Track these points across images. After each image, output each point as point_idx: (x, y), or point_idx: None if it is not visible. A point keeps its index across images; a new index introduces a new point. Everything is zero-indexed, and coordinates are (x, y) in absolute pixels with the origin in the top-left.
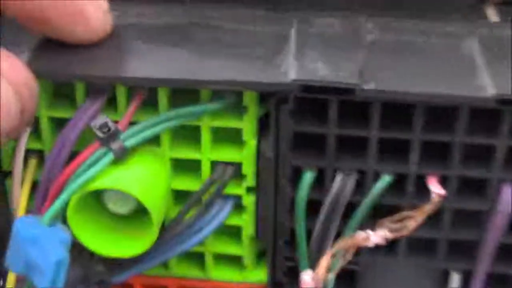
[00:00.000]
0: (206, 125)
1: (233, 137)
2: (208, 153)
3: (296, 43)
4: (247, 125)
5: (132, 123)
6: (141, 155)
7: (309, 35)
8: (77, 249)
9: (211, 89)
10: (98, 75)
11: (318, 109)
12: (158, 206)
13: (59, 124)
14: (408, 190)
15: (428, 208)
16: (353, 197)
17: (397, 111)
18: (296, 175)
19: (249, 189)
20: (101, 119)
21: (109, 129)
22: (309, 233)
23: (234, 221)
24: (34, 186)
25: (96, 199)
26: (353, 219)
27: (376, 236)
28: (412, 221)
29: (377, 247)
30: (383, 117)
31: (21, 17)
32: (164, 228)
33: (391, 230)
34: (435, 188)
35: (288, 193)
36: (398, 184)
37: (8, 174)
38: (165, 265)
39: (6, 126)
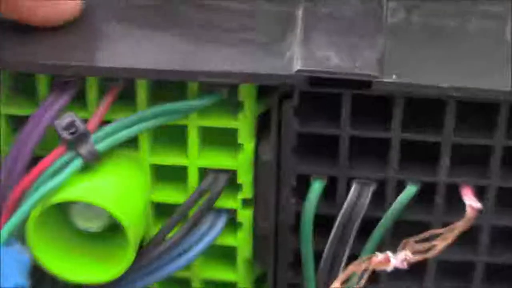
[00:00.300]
0: (193, 124)
1: (226, 139)
2: (195, 158)
3: (303, 26)
4: (243, 125)
5: (105, 122)
6: (116, 160)
7: (319, 16)
8: (39, 274)
9: (200, 82)
10: (64, 64)
11: (328, 106)
12: (135, 222)
13: (18, 123)
14: (437, 203)
15: (461, 225)
16: (371, 211)
17: (424, 107)
18: (302, 185)
19: (245, 202)
20: (68, 118)
21: (76, 130)
22: (317, 255)
23: (228, 240)
24: None
25: (61, 214)
26: (370, 238)
27: (397, 259)
28: (442, 240)
29: (399, 272)
30: (406, 115)
31: None
32: (142, 249)
33: (415, 252)
34: (470, 201)
35: (293, 207)
36: (424, 196)
37: None
38: None
39: None
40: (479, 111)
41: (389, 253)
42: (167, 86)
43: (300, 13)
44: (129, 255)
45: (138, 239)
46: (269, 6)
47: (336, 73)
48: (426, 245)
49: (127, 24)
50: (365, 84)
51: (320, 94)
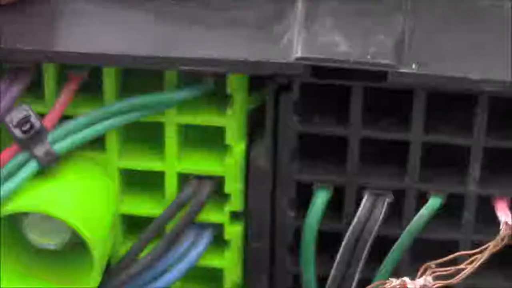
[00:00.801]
0: (171, 121)
1: (211, 140)
2: (174, 162)
3: (305, 3)
4: (232, 123)
5: (65, 118)
6: (78, 164)
7: None
8: None
9: (181, 71)
10: (16, 48)
11: (335, 100)
12: (101, 238)
13: None
14: (466, 218)
15: (493, 245)
16: (386, 227)
17: (450, 103)
18: (303, 196)
19: (234, 216)
20: (21, 112)
21: (31, 127)
22: (321, 280)
23: (213, 261)
24: None
25: (13, 227)
26: (385, 260)
27: (416, 285)
28: (469, 263)
29: None
30: (429, 113)
31: None
32: (110, 270)
33: (438, 277)
34: (505, 216)
35: (291, 222)
36: (450, 210)
37: None
38: None
39: None
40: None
41: (406, 279)
42: (140, 75)
43: None
44: (94, 278)
45: (105, 258)
46: None
47: (344, 62)
48: (451, 269)
49: (91, 1)
50: (380, 75)
51: (325, 86)
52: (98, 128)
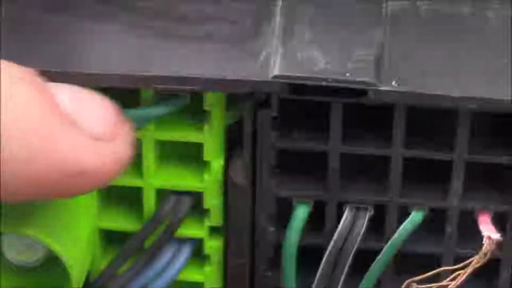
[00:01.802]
0: (149, 137)
1: (189, 156)
2: (152, 178)
3: (283, 17)
4: (209, 139)
5: None
6: None
7: (303, 4)
8: None
9: (153, 90)
10: None
11: (314, 115)
12: (78, 254)
13: None
14: (448, 232)
15: (476, 260)
16: (367, 242)
17: (431, 117)
18: (283, 211)
19: (213, 230)
20: None
21: None
22: None
23: (193, 275)
24: None
25: None
26: (366, 275)
27: None
28: (453, 279)
29: None
30: (410, 127)
31: None
32: (89, 285)
33: None
34: (488, 231)
35: (272, 237)
36: (433, 224)
37: None
38: None
39: None
40: (497, 122)
41: None
42: (113, 90)
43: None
44: None
45: (84, 274)
46: None
47: (323, 79)
48: (434, 286)
49: (53, 11)
50: (359, 93)
51: (304, 102)
52: None
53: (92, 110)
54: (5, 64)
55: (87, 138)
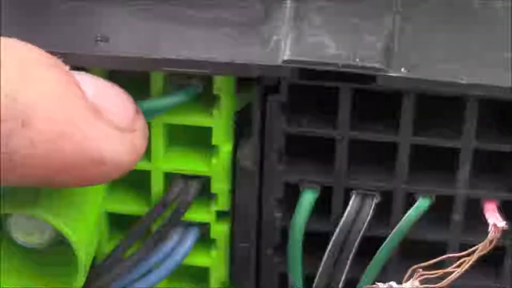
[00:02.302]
0: (158, 122)
1: (198, 140)
2: (160, 161)
3: (294, 2)
4: (218, 123)
5: None
6: None
7: None
8: None
9: (164, 73)
10: None
11: (323, 101)
12: (86, 236)
13: None
14: (454, 220)
15: (481, 248)
16: (373, 228)
17: (439, 104)
18: (290, 196)
19: (220, 215)
20: None
21: None
22: (307, 280)
23: (199, 260)
24: None
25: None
26: (372, 261)
27: None
28: (458, 266)
29: None
30: (418, 114)
31: None
32: (95, 268)
33: (425, 281)
34: (493, 219)
35: (278, 223)
36: (438, 211)
37: None
38: None
39: None
40: (505, 111)
41: (393, 284)
42: (122, 78)
43: None
44: (79, 277)
45: (90, 257)
46: None
47: (333, 65)
48: (439, 272)
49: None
50: (368, 78)
51: (313, 87)
52: None
53: (114, 101)
54: (38, 52)
55: (112, 128)
